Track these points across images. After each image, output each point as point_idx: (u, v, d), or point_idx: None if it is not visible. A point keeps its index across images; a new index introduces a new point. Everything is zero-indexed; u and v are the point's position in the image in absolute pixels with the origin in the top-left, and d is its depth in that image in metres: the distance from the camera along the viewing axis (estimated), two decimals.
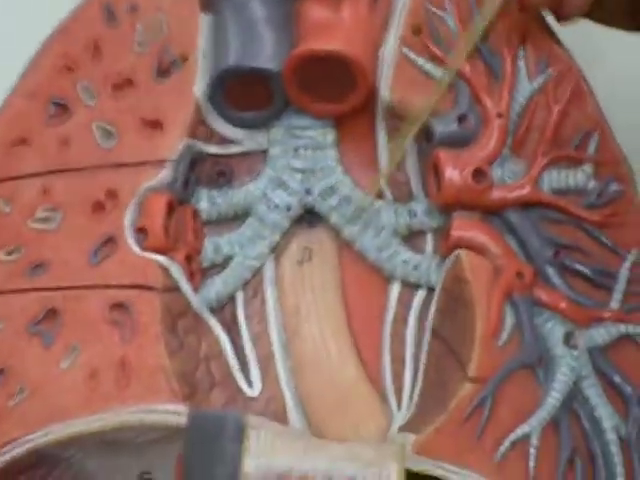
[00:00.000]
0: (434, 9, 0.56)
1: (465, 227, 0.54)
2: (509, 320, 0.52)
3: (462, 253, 0.53)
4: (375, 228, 0.57)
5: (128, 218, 0.55)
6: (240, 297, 0.57)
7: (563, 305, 0.52)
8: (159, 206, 0.55)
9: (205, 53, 0.56)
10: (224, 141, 0.58)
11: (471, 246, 0.53)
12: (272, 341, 0.57)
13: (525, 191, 0.54)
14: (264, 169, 0.58)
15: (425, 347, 0.54)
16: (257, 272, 0.57)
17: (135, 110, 0.56)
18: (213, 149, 0.57)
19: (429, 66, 0.55)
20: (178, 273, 0.55)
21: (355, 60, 0.54)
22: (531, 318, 0.52)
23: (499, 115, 0.55)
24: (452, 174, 0.54)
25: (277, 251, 0.58)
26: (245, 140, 0.58)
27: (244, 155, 0.58)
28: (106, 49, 0.57)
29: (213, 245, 0.57)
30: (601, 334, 0.53)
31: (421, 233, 0.57)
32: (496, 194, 0.54)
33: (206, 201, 0.57)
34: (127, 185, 0.56)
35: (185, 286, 0.55)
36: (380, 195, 0.57)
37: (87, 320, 0.54)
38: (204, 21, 0.57)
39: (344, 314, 0.57)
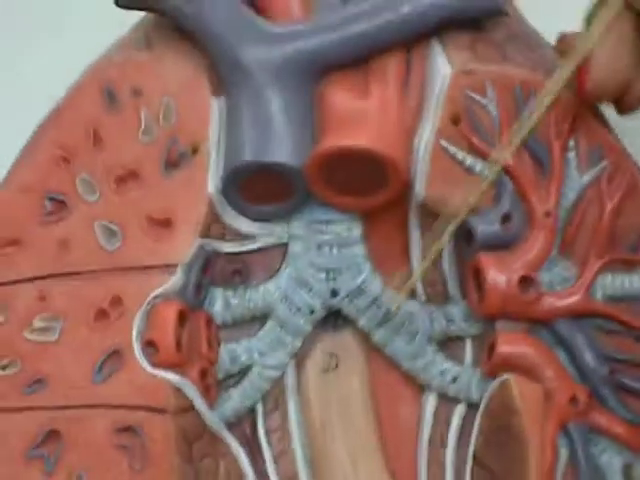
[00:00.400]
0: (475, 95, 0.50)
1: (511, 342, 0.49)
2: (563, 452, 0.47)
3: (511, 380, 0.47)
4: (408, 333, 0.52)
5: (135, 329, 0.49)
6: (260, 410, 0.52)
7: (620, 430, 0.48)
8: (170, 316, 0.49)
9: (218, 144, 0.51)
10: (239, 237, 0.52)
11: (518, 366, 0.48)
12: (296, 460, 0.51)
13: (576, 299, 0.49)
14: (284, 267, 0.52)
15: (467, 475, 0.49)
16: (277, 381, 0.53)
17: (141, 207, 0.51)
18: (227, 247, 0.52)
19: (470, 160, 0.50)
20: (192, 392, 0.49)
21: (386, 157, 0.48)
22: (587, 449, 0.47)
23: (547, 214, 0.49)
24: (496, 282, 0.49)
25: (299, 356, 0.52)
26: (263, 235, 0.52)
27: (261, 251, 0.52)
28: (107, 138, 0.51)
29: (229, 354, 0.52)
30: None
31: (459, 339, 0.52)
32: (544, 303, 0.49)
33: (221, 303, 0.52)
34: (133, 292, 0.50)
35: (201, 406, 0.49)
36: (412, 295, 0.53)
37: (92, 444, 0.49)
38: (216, 107, 0.51)
39: (375, 433, 0.51)
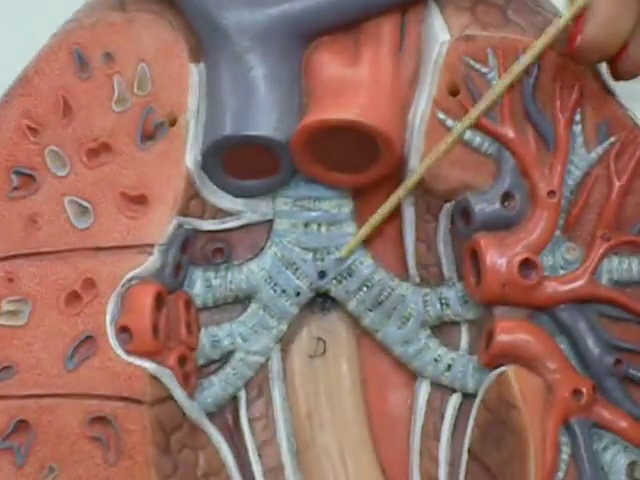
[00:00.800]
0: (474, 63, 0.46)
1: (511, 330, 0.45)
2: (565, 449, 0.44)
3: (510, 372, 0.44)
4: (400, 317, 0.48)
5: (109, 313, 0.46)
6: (243, 397, 0.49)
7: (625, 425, 0.45)
8: (146, 300, 0.46)
9: (197, 115, 0.47)
10: (221, 214, 0.48)
11: (518, 356, 0.45)
12: (281, 450, 0.48)
13: (580, 284, 0.46)
14: (269, 245, 0.49)
15: (462, 470, 0.47)
16: (261, 367, 0.50)
17: (115, 182, 0.47)
18: (208, 225, 0.48)
19: (468, 134, 0.46)
20: (170, 381, 0.46)
21: (378, 130, 0.45)
22: (590, 446, 0.44)
23: (551, 193, 0.46)
24: (495, 265, 0.45)
25: (284, 341, 0.49)
26: (246, 211, 0.48)
27: (245, 228, 0.49)
28: (78, 107, 0.47)
29: (210, 339, 0.48)
30: None
31: (454, 324, 0.49)
32: (546, 288, 0.46)
33: (201, 284, 0.48)
34: (107, 273, 0.46)
35: (179, 395, 0.46)
36: (405, 277, 0.49)
37: (64, 436, 0.46)
38: (195, 74, 0.47)
39: (365, 422, 0.49)
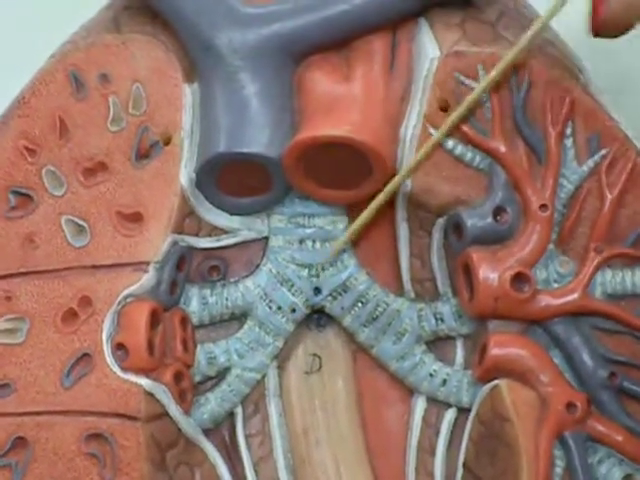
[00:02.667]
0: (465, 79, 0.46)
1: (504, 344, 0.45)
2: (559, 463, 0.44)
3: (503, 386, 0.44)
4: (395, 332, 0.48)
5: (105, 331, 0.47)
6: (239, 413, 0.49)
7: (620, 438, 0.45)
8: (141, 317, 0.46)
9: (191, 133, 0.47)
10: (216, 231, 0.49)
11: (512, 370, 0.45)
12: (278, 466, 0.49)
13: (574, 297, 0.46)
14: (264, 262, 0.49)
15: None
16: (258, 384, 0.50)
17: (111, 201, 0.47)
18: (203, 242, 0.49)
19: (460, 149, 0.46)
20: (166, 398, 0.46)
21: (370, 146, 0.45)
22: (584, 459, 0.44)
23: (543, 207, 0.46)
24: (487, 279, 0.45)
25: (280, 357, 0.49)
26: (241, 229, 0.49)
27: (240, 246, 0.49)
28: (74, 127, 0.48)
29: (207, 356, 0.49)
30: None
31: (449, 339, 0.49)
32: (540, 302, 0.46)
33: (197, 302, 0.49)
34: (103, 291, 0.47)
35: (175, 411, 0.47)
36: (400, 293, 0.50)
37: (61, 453, 0.46)
38: (188, 94, 0.47)
39: (361, 438, 0.49)
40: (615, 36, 0.46)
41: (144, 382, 0.46)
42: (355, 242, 0.49)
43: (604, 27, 0.45)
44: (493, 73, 0.45)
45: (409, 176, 0.45)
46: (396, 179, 0.46)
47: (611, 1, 0.45)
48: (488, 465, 0.45)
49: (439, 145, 0.46)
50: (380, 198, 0.46)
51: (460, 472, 0.46)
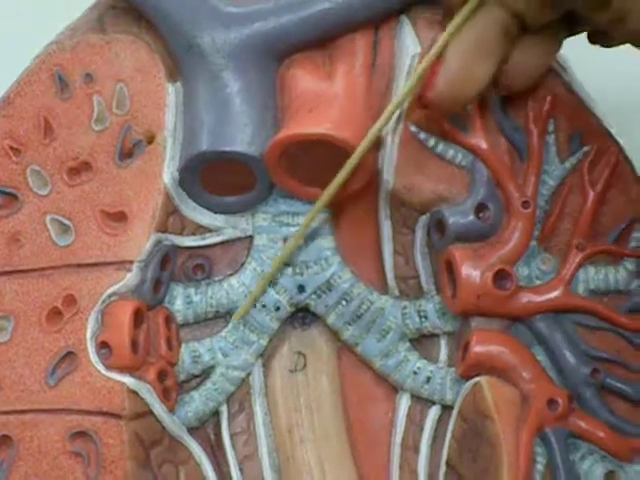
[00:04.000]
0: None
1: (486, 341, 0.45)
2: (540, 460, 0.44)
3: (484, 383, 0.44)
4: (379, 330, 0.48)
5: (89, 329, 0.47)
6: (224, 412, 0.49)
7: (602, 435, 0.44)
8: (124, 316, 0.47)
9: (174, 132, 0.47)
10: (200, 230, 0.49)
11: (494, 367, 0.45)
12: (263, 464, 0.48)
13: (556, 294, 0.46)
14: (249, 261, 0.49)
15: None
16: (243, 382, 0.50)
17: (95, 200, 0.48)
18: (188, 241, 0.49)
19: (441, 146, 0.46)
20: (149, 396, 0.46)
21: (351, 144, 0.45)
22: (566, 455, 0.44)
23: (525, 204, 0.46)
24: (470, 277, 0.45)
25: (265, 356, 0.49)
26: (226, 227, 0.49)
27: (225, 244, 0.49)
28: (59, 126, 0.48)
29: (191, 354, 0.49)
30: None
31: (433, 337, 0.49)
32: (522, 299, 0.46)
33: (181, 300, 0.49)
34: (87, 290, 0.47)
35: (159, 409, 0.47)
36: (384, 290, 0.49)
37: (45, 451, 0.46)
38: (172, 93, 0.47)
39: (345, 436, 0.48)
40: (455, 110, 0.45)
41: (128, 380, 0.46)
42: (339, 240, 0.49)
43: (435, 106, 0.44)
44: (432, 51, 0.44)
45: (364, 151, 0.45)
46: (354, 157, 0.45)
47: (438, 80, 0.43)
48: (470, 462, 0.45)
49: (421, 143, 0.46)
50: (340, 178, 0.45)
51: (443, 469, 0.46)
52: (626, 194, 0.46)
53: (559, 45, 0.45)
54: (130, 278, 0.47)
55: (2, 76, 0.50)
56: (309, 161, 0.47)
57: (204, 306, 0.49)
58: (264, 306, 0.49)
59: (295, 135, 0.45)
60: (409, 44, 0.47)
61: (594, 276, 0.47)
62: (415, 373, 0.48)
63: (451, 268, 0.47)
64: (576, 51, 0.47)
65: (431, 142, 0.47)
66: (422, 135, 0.46)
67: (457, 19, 0.43)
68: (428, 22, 0.47)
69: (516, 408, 0.44)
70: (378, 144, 0.47)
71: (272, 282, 0.49)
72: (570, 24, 0.44)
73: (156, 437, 0.47)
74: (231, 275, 0.49)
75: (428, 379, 0.48)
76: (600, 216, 0.47)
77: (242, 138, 0.46)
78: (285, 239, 0.49)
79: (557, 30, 0.43)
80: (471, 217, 0.46)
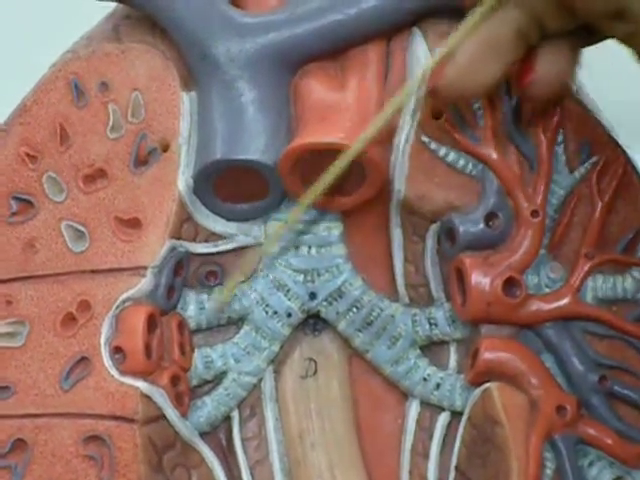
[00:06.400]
0: None
1: (496, 348, 0.46)
2: (549, 465, 0.45)
3: (494, 389, 0.45)
4: (390, 337, 0.49)
5: (103, 335, 0.47)
6: (236, 417, 0.50)
7: (610, 441, 0.45)
8: (138, 321, 0.47)
9: (188, 140, 0.48)
10: (213, 237, 0.49)
11: (503, 373, 0.46)
12: (273, 469, 0.49)
13: (565, 302, 0.46)
14: (261, 268, 0.50)
15: None
16: (254, 388, 0.50)
17: (109, 207, 0.48)
18: (201, 248, 0.49)
19: (452, 156, 0.47)
20: (162, 400, 0.47)
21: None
22: (574, 461, 0.44)
23: (534, 213, 0.47)
24: (480, 284, 0.46)
25: (276, 362, 0.50)
26: (238, 235, 0.49)
27: (237, 251, 0.50)
28: (75, 134, 0.49)
29: (204, 360, 0.49)
30: None
31: (443, 344, 0.49)
32: (531, 307, 0.46)
33: (194, 306, 0.49)
34: (101, 295, 0.48)
35: (171, 414, 0.47)
36: (395, 298, 0.50)
37: (59, 455, 0.47)
38: (187, 102, 0.48)
39: (355, 442, 0.49)
40: (461, 103, 0.46)
41: (141, 385, 0.47)
42: (351, 248, 0.50)
43: (441, 95, 0.44)
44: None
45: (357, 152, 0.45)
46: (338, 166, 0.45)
47: (446, 72, 0.43)
48: (480, 468, 0.46)
49: (432, 152, 0.47)
50: (325, 181, 0.45)
51: (452, 475, 0.47)
52: (634, 204, 0.47)
53: (581, 52, 0.45)
54: (144, 284, 0.48)
55: (20, 85, 0.51)
56: (321, 170, 0.47)
57: (216, 312, 0.50)
58: (276, 313, 0.50)
59: (308, 144, 0.46)
60: (421, 56, 0.47)
61: (602, 285, 0.47)
62: (425, 380, 0.49)
63: (461, 276, 0.47)
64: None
65: (442, 152, 0.47)
66: (433, 145, 0.47)
67: (469, 20, 0.43)
68: (440, 34, 0.48)
69: (525, 414, 0.45)
70: (387, 149, 0.48)
71: (284, 289, 0.50)
72: (591, 32, 0.44)
73: (169, 441, 0.48)
74: (243, 282, 0.50)
75: (438, 385, 0.49)
76: (608, 225, 0.47)
77: (256, 146, 0.47)
78: (297, 246, 0.50)
79: (579, 38, 0.44)
80: (481, 226, 0.47)
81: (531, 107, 0.46)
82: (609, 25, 0.42)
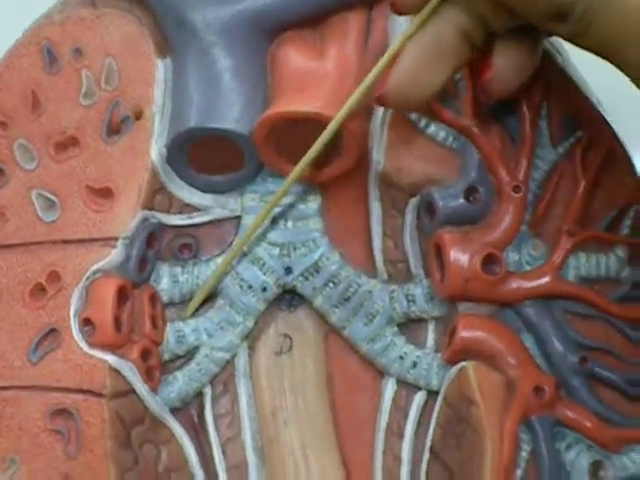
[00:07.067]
0: None
1: (473, 326, 0.45)
2: (525, 447, 0.43)
3: (469, 367, 0.44)
4: (367, 314, 0.48)
5: (73, 306, 0.46)
6: (208, 393, 0.48)
7: (589, 424, 0.44)
8: (108, 293, 0.46)
9: (162, 108, 0.47)
10: (188, 209, 0.48)
11: (480, 352, 0.44)
12: (245, 447, 0.48)
13: (546, 280, 0.45)
14: (236, 241, 0.49)
15: (424, 469, 0.46)
16: (227, 363, 0.49)
17: (81, 176, 0.47)
18: (175, 219, 0.48)
19: (432, 127, 0.46)
20: (132, 375, 0.46)
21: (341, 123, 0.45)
22: (551, 444, 0.43)
23: (516, 188, 0.45)
24: (458, 261, 0.45)
25: (251, 337, 0.49)
26: (214, 207, 0.48)
27: (213, 224, 0.48)
28: (47, 101, 0.48)
29: (176, 334, 0.48)
30: (634, 461, 0.44)
31: (421, 321, 0.48)
32: (511, 284, 0.45)
33: (167, 279, 0.48)
34: (72, 266, 0.46)
35: (141, 389, 0.46)
36: (372, 274, 0.49)
37: (26, 428, 0.46)
38: (161, 69, 0.47)
39: (330, 420, 0.48)
40: (407, 110, 0.45)
41: (110, 358, 0.46)
42: (328, 222, 0.48)
43: (387, 102, 0.42)
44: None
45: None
46: (301, 163, 0.44)
47: (392, 76, 0.42)
48: (454, 449, 0.44)
49: (411, 123, 0.46)
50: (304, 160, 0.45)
51: (427, 456, 0.45)
52: (619, 180, 0.45)
53: (540, 44, 0.43)
54: (114, 255, 0.46)
55: None
56: (298, 140, 0.46)
57: (190, 286, 0.49)
58: (250, 287, 0.48)
59: (284, 113, 0.45)
60: (402, 24, 0.46)
61: (585, 263, 0.46)
62: (401, 358, 0.47)
63: (440, 252, 0.46)
64: None
65: (422, 123, 0.46)
66: (413, 116, 0.46)
67: (417, 19, 0.41)
68: None
69: (502, 394, 0.43)
70: (366, 118, 0.46)
71: (259, 263, 0.49)
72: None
73: (138, 417, 0.46)
74: (218, 255, 0.49)
75: (414, 364, 0.47)
76: (592, 202, 0.46)
77: (231, 115, 0.46)
78: (273, 219, 0.48)
79: (535, 30, 0.42)
80: (461, 200, 0.46)
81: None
82: (552, 25, 0.39)
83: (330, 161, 0.47)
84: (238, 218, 0.49)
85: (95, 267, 0.46)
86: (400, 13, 0.42)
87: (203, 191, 0.48)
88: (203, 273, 0.49)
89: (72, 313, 0.46)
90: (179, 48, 0.47)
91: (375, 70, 0.43)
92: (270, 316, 0.49)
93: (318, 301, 0.48)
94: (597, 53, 0.40)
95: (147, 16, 0.48)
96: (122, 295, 0.47)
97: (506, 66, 0.42)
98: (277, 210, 0.48)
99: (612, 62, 0.40)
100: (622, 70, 0.40)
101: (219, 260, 0.49)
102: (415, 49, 0.41)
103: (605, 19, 0.39)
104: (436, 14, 0.41)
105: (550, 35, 0.43)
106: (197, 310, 0.48)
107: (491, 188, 0.46)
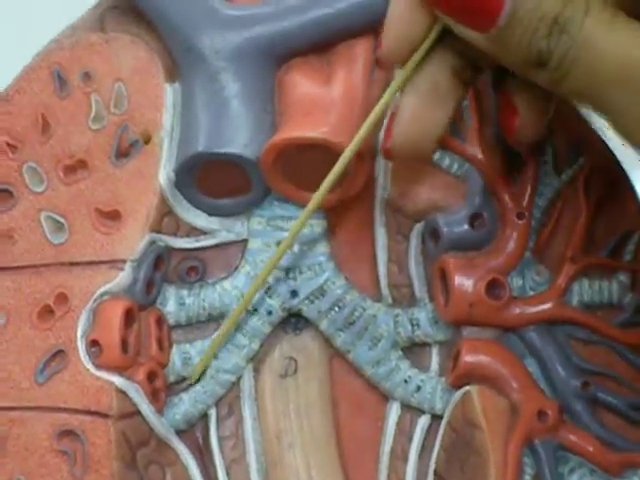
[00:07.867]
0: None
1: (477, 350, 0.45)
2: (529, 471, 0.44)
3: (474, 391, 0.44)
4: (372, 338, 0.48)
5: (80, 328, 0.46)
6: (213, 415, 0.49)
7: (592, 449, 0.44)
8: (115, 315, 0.46)
9: (171, 133, 0.47)
10: (195, 232, 0.49)
11: (484, 377, 0.45)
12: (250, 469, 0.48)
13: (549, 306, 0.45)
14: (242, 265, 0.49)
15: None
16: (233, 385, 0.50)
17: (90, 199, 0.48)
18: (182, 243, 0.49)
19: (437, 155, 0.46)
20: (138, 396, 0.46)
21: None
22: (554, 468, 0.43)
23: (520, 214, 0.46)
24: (463, 285, 0.45)
25: (256, 360, 0.49)
26: (220, 230, 0.49)
27: (219, 247, 0.49)
28: (56, 124, 0.48)
29: (182, 356, 0.48)
30: None
31: (425, 345, 0.48)
32: (515, 309, 0.45)
33: (174, 302, 0.48)
34: (79, 288, 0.47)
35: (147, 410, 0.46)
36: (378, 298, 0.49)
37: (33, 449, 0.46)
38: (170, 94, 0.47)
39: (334, 443, 0.48)
40: (418, 159, 0.44)
41: (116, 380, 0.46)
42: (334, 246, 0.49)
43: (396, 154, 0.42)
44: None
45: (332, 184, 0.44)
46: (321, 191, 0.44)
47: (395, 126, 0.41)
48: (458, 472, 0.45)
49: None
50: (329, 179, 0.44)
51: (431, 479, 0.46)
52: (621, 207, 0.46)
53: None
54: (122, 277, 0.47)
55: (2, 73, 0.50)
56: (305, 165, 0.47)
57: (196, 308, 0.49)
58: (256, 310, 0.49)
59: (291, 138, 0.45)
60: None
61: (588, 289, 0.46)
62: (405, 382, 0.48)
63: (444, 277, 0.46)
64: None
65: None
66: None
67: (416, 55, 0.41)
68: None
69: (505, 418, 0.44)
70: (374, 150, 0.47)
71: (265, 286, 0.48)
72: None
73: (143, 438, 0.47)
74: (225, 278, 0.49)
75: (418, 388, 0.48)
76: (595, 228, 0.46)
77: (239, 140, 0.46)
78: (279, 243, 0.49)
79: None
80: (465, 226, 0.46)
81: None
82: (533, 73, 0.39)
83: (337, 186, 0.47)
84: (244, 242, 0.49)
85: (102, 289, 0.47)
86: (388, 66, 0.42)
87: (210, 214, 0.49)
88: (209, 296, 0.49)
89: (79, 335, 0.47)
90: (187, 73, 0.48)
91: (386, 95, 0.43)
92: (275, 339, 0.49)
93: (323, 324, 0.49)
94: (579, 100, 0.40)
95: (156, 41, 0.48)
96: (129, 317, 0.47)
97: (530, 110, 0.42)
98: (283, 235, 0.48)
99: (595, 109, 0.39)
100: (606, 116, 0.39)
101: (225, 284, 0.49)
102: (412, 98, 0.41)
103: (584, 64, 0.38)
104: (427, 59, 0.41)
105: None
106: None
107: (495, 214, 0.46)
